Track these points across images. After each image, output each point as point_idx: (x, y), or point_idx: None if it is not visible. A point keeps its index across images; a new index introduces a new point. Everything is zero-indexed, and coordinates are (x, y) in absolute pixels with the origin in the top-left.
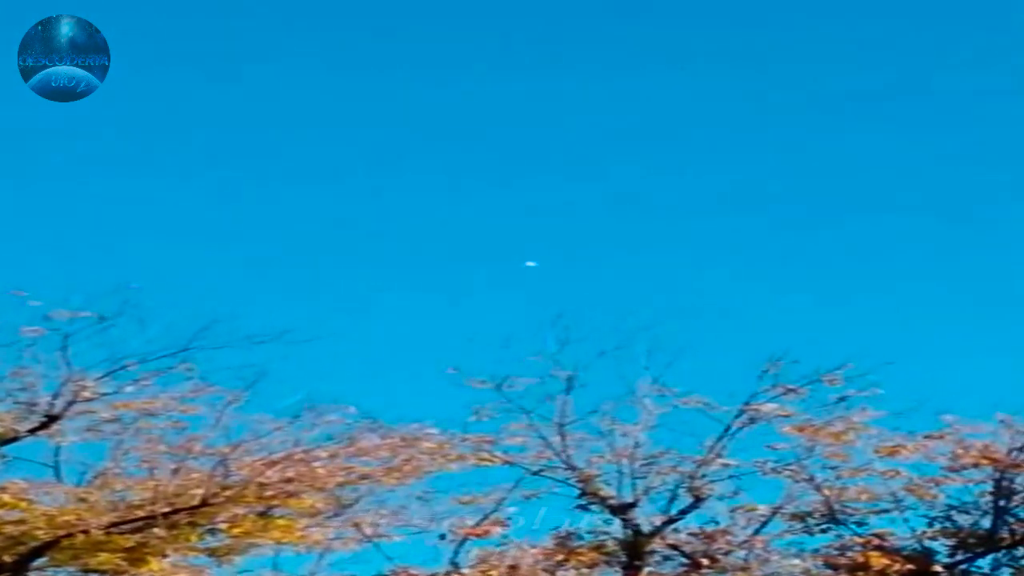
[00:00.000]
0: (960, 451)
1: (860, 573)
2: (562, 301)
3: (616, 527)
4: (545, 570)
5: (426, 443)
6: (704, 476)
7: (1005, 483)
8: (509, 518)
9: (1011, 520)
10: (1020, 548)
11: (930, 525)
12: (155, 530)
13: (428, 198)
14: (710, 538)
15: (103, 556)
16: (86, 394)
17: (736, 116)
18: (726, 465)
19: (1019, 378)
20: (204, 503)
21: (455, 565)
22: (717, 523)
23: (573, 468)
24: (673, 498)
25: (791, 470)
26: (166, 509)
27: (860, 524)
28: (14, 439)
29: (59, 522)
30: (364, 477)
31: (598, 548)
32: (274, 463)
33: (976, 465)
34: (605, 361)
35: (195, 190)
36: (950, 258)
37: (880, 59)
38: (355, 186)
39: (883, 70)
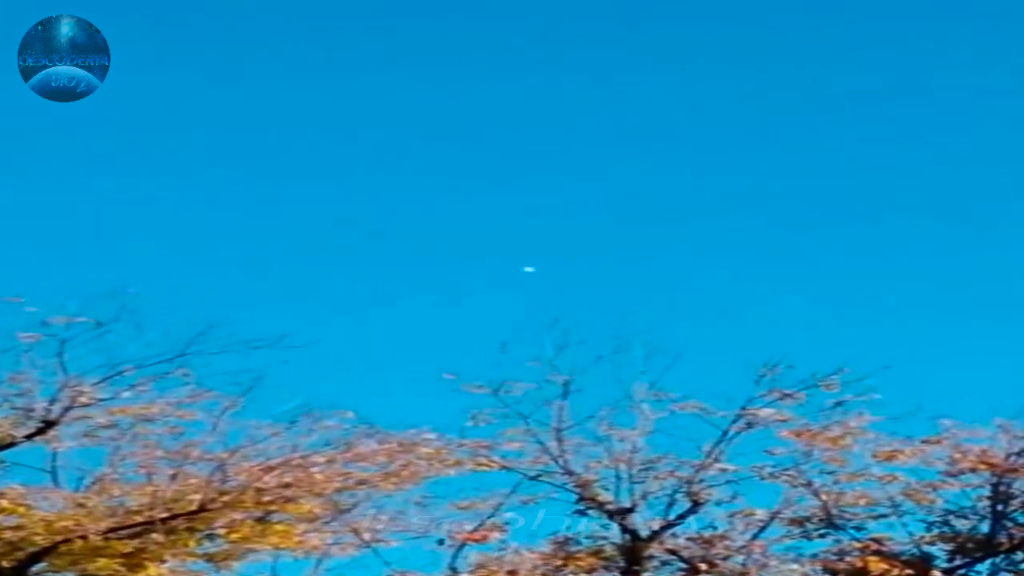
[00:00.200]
0: (958, 456)
1: None
2: (559, 305)
3: (614, 532)
4: (544, 575)
5: (424, 448)
6: (702, 481)
7: (1003, 488)
8: (507, 523)
9: (1009, 525)
10: (1019, 553)
11: (928, 530)
12: (153, 535)
13: (425, 201)
14: (708, 543)
15: (102, 562)
16: (83, 399)
17: (734, 118)
18: (724, 470)
19: (1016, 382)
20: (202, 508)
21: (454, 570)
22: (715, 528)
23: (571, 473)
24: (671, 503)
25: (789, 475)
26: (164, 514)
27: (858, 529)
28: (11, 445)
29: (57, 528)
30: (362, 482)
31: (596, 553)
32: (272, 468)
33: (974, 470)
34: (602, 366)
35: (193, 192)
36: (948, 261)
37: (880, 59)
38: (352, 189)
39: (883, 70)
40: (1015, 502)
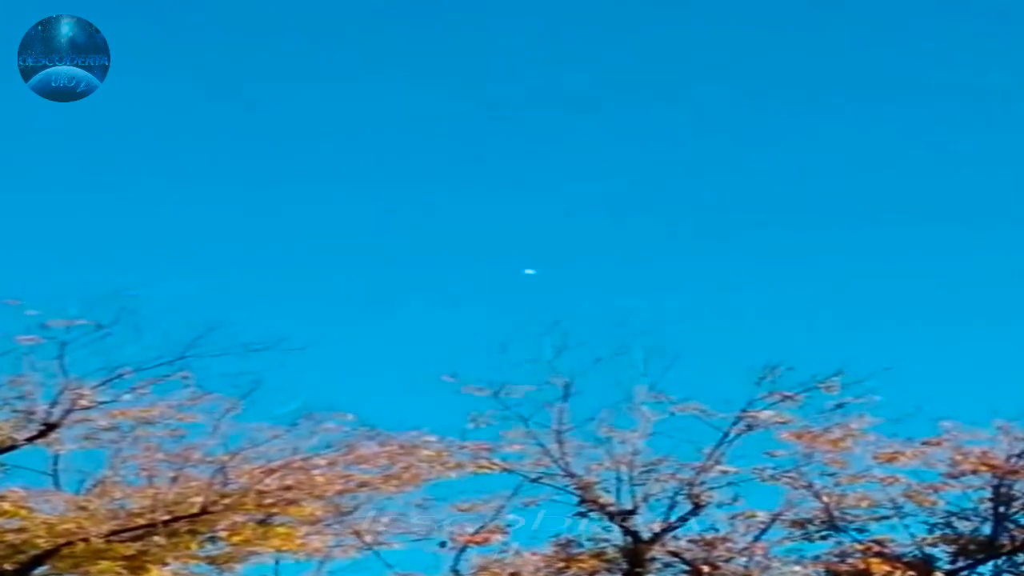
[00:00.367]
0: (959, 457)
1: None
2: (558, 307)
3: (616, 534)
4: None
5: (425, 451)
6: (703, 483)
7: (1004, 489)
8: (509, 525)
9: (1011, 527)
10: (1021, 554)
11: (930, 532)
12: (155, 538)
13: (425, 203)
14: (710, 545)
15: (104, 564)
16: (83, 402)
17: (734, 118)
18: (725, 472)
19: (1017, 384)
20: (204, 511)
21: (456, 572)
22: (717, 530)
23: (572, 475)
24: (672, 505)
25: (790, 477)
26: (166, 517)
27: (860, 531)
28: (12, 447)
29: (59, 530)
30: (363, 484)
31: (598, 555)
32: (273, 471)
33: (975, 471)
34: (602, 367)
35: (193, 193)
36: (948, 262)
37: (880, 59)
38: (353, 191)
39: (883, 70)
40: (1016, 504)
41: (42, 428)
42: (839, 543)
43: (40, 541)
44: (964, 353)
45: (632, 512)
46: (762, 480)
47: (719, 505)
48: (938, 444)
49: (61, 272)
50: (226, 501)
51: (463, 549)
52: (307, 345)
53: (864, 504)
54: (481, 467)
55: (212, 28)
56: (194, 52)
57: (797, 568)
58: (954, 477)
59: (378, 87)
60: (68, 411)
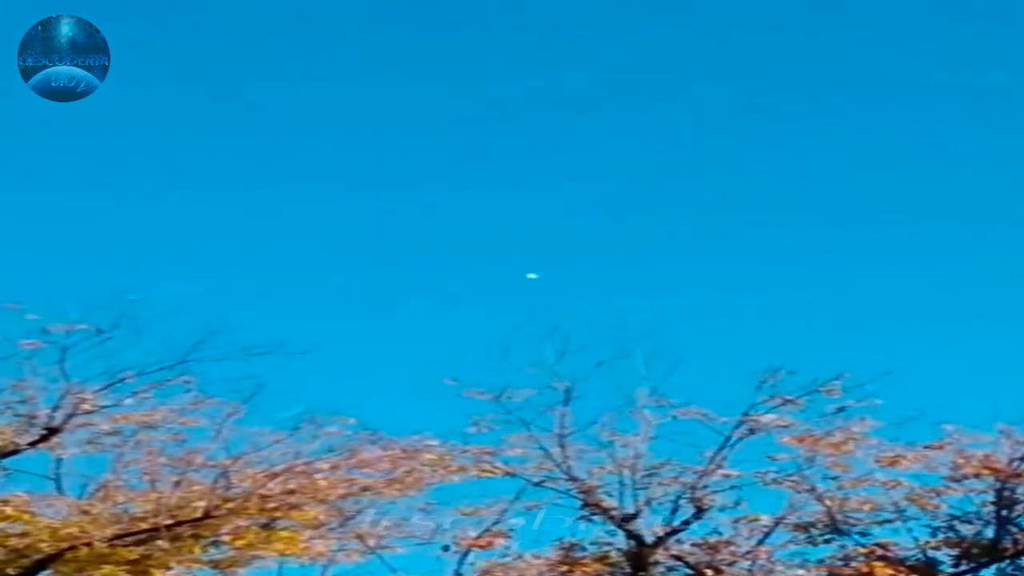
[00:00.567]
0: (961, 461)
1: None
2: (560, 311)
3: (619, 538)
4: None
5: (427, 454)
6: (706, 487)
7: (1007, 493)
8: (512, 529)
9: (1014, 530)
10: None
11: (933, 535)
12: (158, 542)
13: (426, 206)
14: (714, 549)
15: (107, 568)
16: (85, 407)
17: (733, 119)
18: (727, 476)
19: (1019, 387)
20: (206, 515)
21: None
22: (720, 534)
23: (574, 479)
24: (675, 509)
25: (792, 481)
26: (169, 521)
27: (863, 534)
28: (14, 452)
29: (63, 535)
30: (366, 489)
31: (602, 559)
32: (275, 475)
33: (977, 475)
34: (603, 371)
35: (193, 195)
36: (949, 264)
37: (880, 59)
38: (354, 194)
39: (883, 70)
40: (1019, 507)
41: (44, 432)
42: (842, 547)
43: (43, 545)
44: (966, 355)
45: (635, 516)
46: (764, 484)
47: (722, 509)
48: (940, 448)
49: (61, 273)
50: (229, 505)
51: (466, 553)
52: (308, 349)
53: (867, 508)
54: (483, 471)
55: (212, 28)
56: (194, 52)
57: (801, 572)
58: (956, 480)
59: (378, 87)
60: (70, 415)
